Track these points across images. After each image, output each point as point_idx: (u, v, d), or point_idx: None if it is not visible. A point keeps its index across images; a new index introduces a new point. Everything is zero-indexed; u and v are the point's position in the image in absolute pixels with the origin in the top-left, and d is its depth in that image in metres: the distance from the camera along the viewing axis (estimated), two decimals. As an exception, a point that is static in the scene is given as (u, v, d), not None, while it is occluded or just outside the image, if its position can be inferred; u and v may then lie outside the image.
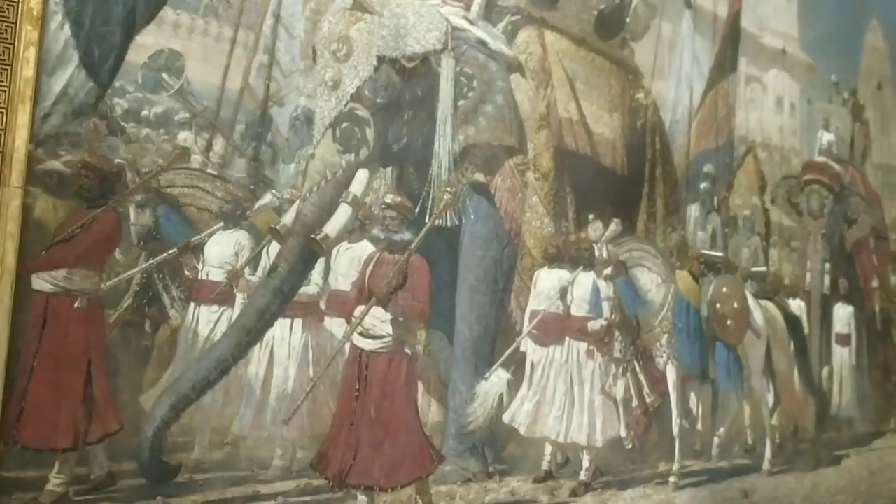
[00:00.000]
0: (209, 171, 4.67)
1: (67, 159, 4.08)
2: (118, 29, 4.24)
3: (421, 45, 5.11)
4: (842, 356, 7.81)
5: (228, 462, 4.54)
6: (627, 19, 6.43)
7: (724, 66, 7.17)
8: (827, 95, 8.09)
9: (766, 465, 6.86)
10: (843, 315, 7.81)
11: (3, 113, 3.84)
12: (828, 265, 7.69)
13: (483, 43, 5.46)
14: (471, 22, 5.49)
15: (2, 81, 3.85)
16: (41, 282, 4.00)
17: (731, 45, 7.22)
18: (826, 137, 7.95)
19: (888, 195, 8.43)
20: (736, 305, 6.60)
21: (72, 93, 4.09)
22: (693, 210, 6.87)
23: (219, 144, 4.72)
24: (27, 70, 3.91)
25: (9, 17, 3.88)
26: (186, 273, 4.57)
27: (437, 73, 5.20)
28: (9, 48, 3.88)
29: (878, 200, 8.27)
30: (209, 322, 4.58)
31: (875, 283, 8.04)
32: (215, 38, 4.68)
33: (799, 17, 7.86)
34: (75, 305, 4.08)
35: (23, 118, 3.88)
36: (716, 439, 6.68)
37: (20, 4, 3.91)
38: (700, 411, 6.67)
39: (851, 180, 8.03)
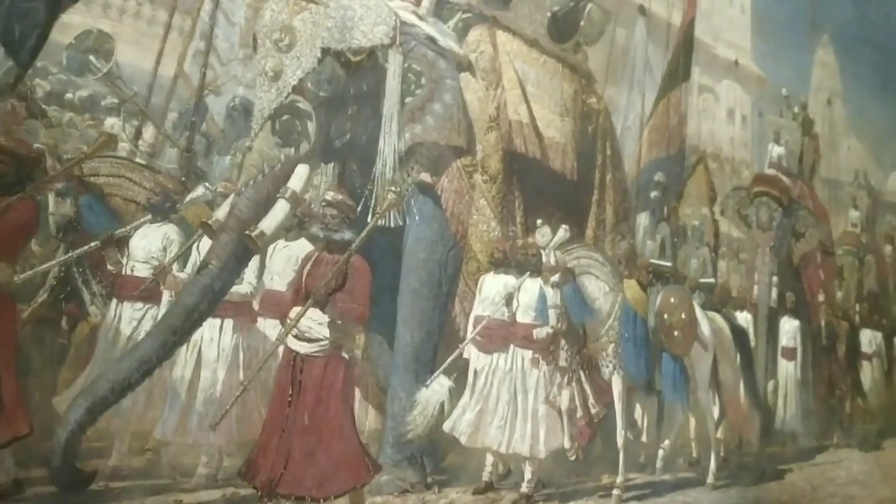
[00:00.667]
0: (137, 160, 4.47)
1: (-19, 142, 3.83)
2: (42, 5, 4.01)
3: (368, 38, 4.95)
4: (787, 370, 7.82)
5: (149, 469, 4.33)
6: (581, 23, 6.36)
7: (677, 74, 7.14)
8: (778, 109, 8.14)
9: (710, 479, 6.77)
10: (789, 329, 7.82)
11: None
12: (775, 278, 7.70)
13: (432, 39, 5.33)
14: (420, 18, 5.36)
15: None
16: (-52, 272, 3.74)
17: (684, 53, 7.20)
18: (776, 150, 7.99)
19: (835, 210, 8.52)
20: (683, 316, 6.52)
21: (-12, 71, 3.85)
22: (643, 218, 6.82)
23: (149, 133, 4.51)
24: (-62, 45, 3.67)
25: (-81, -12, 3.64)
26: (109, 267, 4.35)
27: (384, 68, 5.04)
28: (-81, 21, 3.63)
29: (825, 215, 8.33)
30: (132, 320, 4.37)
31: (821, 298, 8.07)
32: (149, 21, 4.48)
33: (752, 30, 7.92)
34: (-16, 299, 3.82)
35: (-68, 97, 3.64)
36: (661, 452, 6.59)
37: (-67, -26, 3.67)
38: (645, 423, 6.58)
39: (800, 194, 8.09)
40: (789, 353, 7.83)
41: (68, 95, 4.20)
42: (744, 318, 7.49)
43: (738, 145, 7.73)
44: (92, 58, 4.22)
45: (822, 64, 8.55)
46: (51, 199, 4.14)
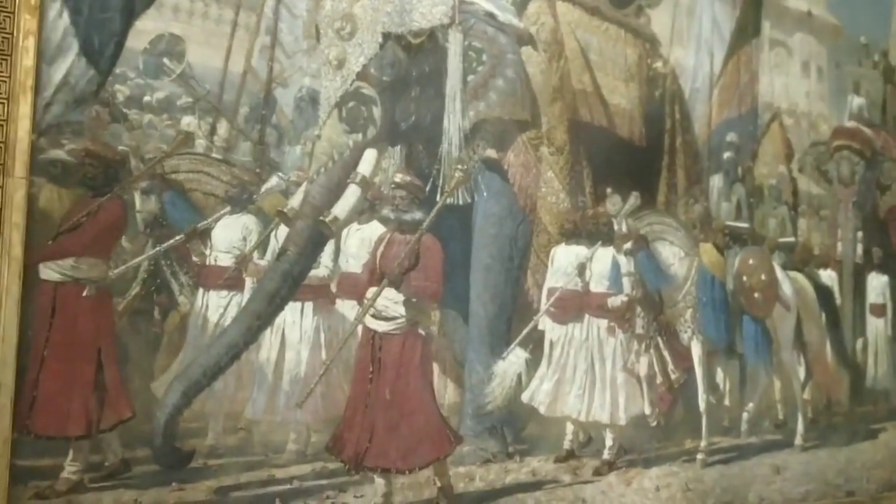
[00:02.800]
0: (214, 155, 4.64)
1: (71, 148, 4.07)
2: (117, 15, 4.21)
3: (427, 20, 5.01)
4: (877, 327, 7.58)
5: (242, 447, 4.53)
6: (643, -15, 6.26)
7: (747, 30, 6.93)
8: (856, 58, 7.79)
9: (798, 441, 6.70)
10: (877, 285, 7.57)
11: (4, 103, 3.83)
12: (860, 234, 7.45)
13: (492, 16, 5.33)
14: (479, -6, 5.37)
15: (2, 72, 3.84)
16: (49, 271, 4.01)
17: (753, 8, 6.97)
18: (856, 102, 7.67)
19: (923, 159, 8.12)
20: (763, 277, 6.42)
21: (73, 81, 4.07)
22: (716, 181, 6.68)
23: (223, 128, 4.68)
24: (27, 60, 3.90)
25: (7, 7, 3.86)
26: (194, 259, 4.55)
27: (445, 48, 5.08)
28: (8, 38, 3.86)
29: (913, 165, 7.98)
30: (219, 307, 4.56)
31: (911, 251, 7.77)
32: (216, 20, 4.63)
33: (825, -23, 7.59)
34: (83, 294, 4.08)
35: (24, 108, 3.87)
36: (745, 415, 6.52)
37: (17, -6, 3.90)
38: (727, 387, 6.54)
39: (884, 145, 7.74)
40: (878, 310, 7.58)
41: (146, 98, 4.40)
42: (828, 276, 7.29)
43: (815, 99, 7.46)
44: (166, 60, 4.40)
45: (903, 6, 8.13)
46: (137, 197, 4.36)
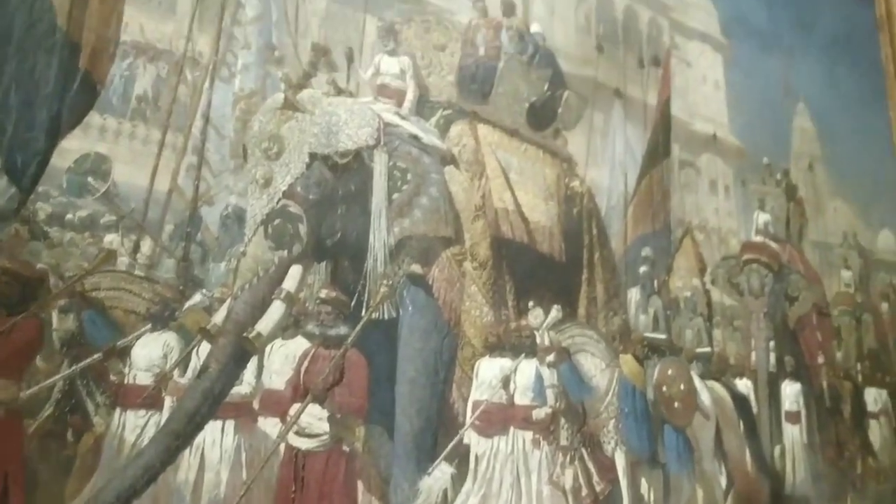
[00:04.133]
0: (136, 272, 4.64)
1: (-13, 266, 4.02)
2: (42, 135, 4.26)
3: (353, 141, 5.17)
4: (793, 434, 7.78)
5: (158, 575, 4.35)
6: (559, 110, 6.62)
7: (657, 152, 7.36)
8: (760, 177, 8.32)
9: (723, 550, 6.73)
10: (791, 392, 7.82)
11: (-81, 221, 3.79)
12: (772, 343, 7.73)
13: (416, 137, 5.57)
14: (403, 117, 5.62)
15: (-81, 190, 3.82)
16: (-44, 393, 3.88)
17: (662, 131, 7.44)
18: (762, 218, 8.13)
19: (827, 272, 8.61)
20: (682, 387, 6.56)
21: (-7, 199, 4.07)
22: (634, 294, 6.93)
23: (146, 246, 4.70)
24: (-54, 178, 3.89)
25: (-71, 127, 3.88)
26: (112, 378, 4.47)
27: (371, 167, 5.26)
28: (-72, 157, 3.86)
29: (817, 278, 8.41)
30: (136, 428, 4.46)
31: (821, 360, 8.09)
32: (143, 140, 4.72)
33: (727, 104, 8.17)
34: (-8, 416, 3.95)
35: (-59, 226, 3.84)
36: (670, 526, 6.55)
37: (-59, 113, 3.92)
38: (652, 497, 6.54)
39: (790, 259, 8.18)
40: (793, 417, 7.81)
41: (69, 216, 4.40)
42: (744, 384, 7.50)
43: (724, 215, 7.89)
44: (90, 179, 4.44)
45: (801, 130, 8.78)
46: (54, 316, 4.29)
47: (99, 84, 4.50)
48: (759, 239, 8.05)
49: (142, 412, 4.50)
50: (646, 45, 7.58)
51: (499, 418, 5.58)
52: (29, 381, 4.14)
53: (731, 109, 8.14)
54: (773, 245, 8.07)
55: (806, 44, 9.03)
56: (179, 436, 4.38)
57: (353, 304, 4.99)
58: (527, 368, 5.73)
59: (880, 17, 9.83)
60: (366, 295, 5.05)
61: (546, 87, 6.59)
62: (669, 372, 6.54)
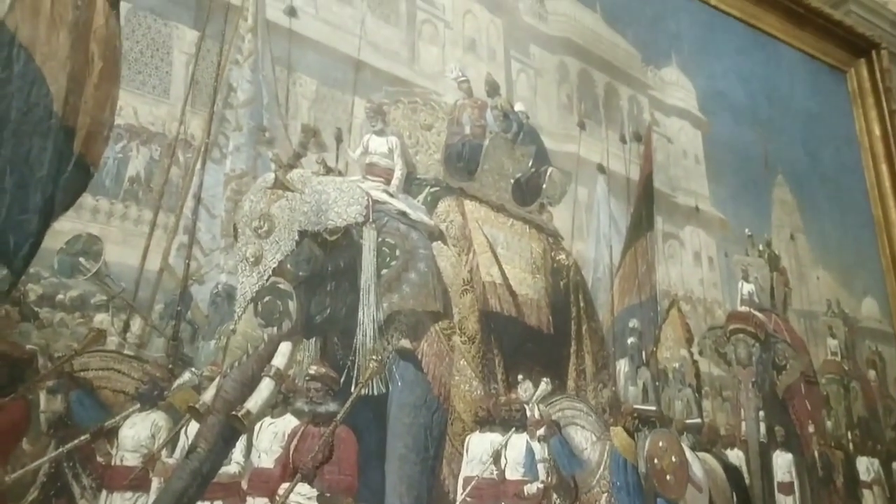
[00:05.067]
0: (126, 352, 4.62)
1: (-25, 348, 4.02)
2: (36, 217, 4.32)
3: (342, 218, 5.27)
4: (787, 506, 7.73)
5: None
6: (543, 186, 6.76)
7: (641, 225, 7.49)
8: (743, 248, 8.43)
9: None
10: (783, 463, 7.77)
11: None
12: (762, 413, 7.72)
13: (404, 214, 5.67)
14: (391, 195, 5.73)
15: (-90, 274, 3.84)
16: (-61, 478, 3.84)
17: (645, 205, 7.58)
18: (746, 288, 8.23)
19: (813, 340, 8.65)
20: (674, 459, 6.55)
21: (-16, 281, 4.09)
22: (622, 365, 6.94)
23: (136, 325, 4.70)
24: (-61, 261, 3.92)
25: (-77, 210, 3.93)
26: (99, 459, 4.40)
27: (360, 244, 5.34)
28: (-80, 241, 3.89)
29: (803, 346, 8.45)
30: (123, 511, 4.39)
31: (811, 429, 8.07)
32: (135, 221, 4.78)
33: (708, 177, 8.35)
34: (-25, 502, 3.90)
35: (-69, 309, 3.85)
36: None
37: (-65, 198, 3.97)
38: (648, 574, 6.46)
39: (776, 328, 8.25)
40: (786, 488, 7.74)
41: (59, 296, 4.41)
42: (735, 455, 7.47)
43: (709, 286, 7.98)
44: (82, 260, 4.47)
45: (781, 202, 8.95)
46: (42, 397, 4.26)
47: (93, 166, 4.59)
48: (744, 309, 8.13)
49: (129, 494, 4.43)
50: (627, 121, 7.79)
51: (490, 494, 5.53)
52: (14, 464, 4.08)
53: (711, 182, 8.31)
54: (759, 315, 8.15)
55: (783, 117, 9.32)
56: (167, 518, 4.35)
57: (342, 380, 5.00)
58: (517, 443, 5.70)
59: (852, 91, 10.18)
60: (355, 371, 5.07)
61: (531, 164, 6.75)
62: (660, 444, 6.53)
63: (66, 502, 4.28)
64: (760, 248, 8.54)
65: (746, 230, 8.47)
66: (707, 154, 8.41)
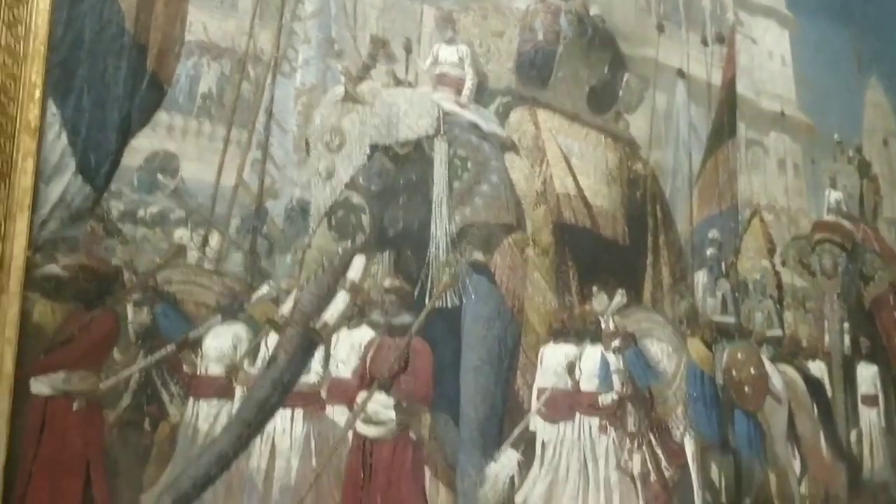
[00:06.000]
0: (206, 266, 4.75)
1: (65, 263, 4.17)
2: (114, 135, 4.39)
3: (413, 131, 5.21)
4: (870, 418, 7.55)
5: (233, 559, 4.48)
6: (620, 93, 6.53)
7: (723, 131, 7.19)
8: (831, 154, 8.05)
9: (798, 537, 6.62)
10: (867, 375, 7.59)
11: (1, 222, 3.94)
12: (846, 324, 7.52)
13: (475, 125, 5.56)
14: (462, 106, 5.61)
15: (0, 192, 3.97)
16: (39, 385, 4.04)
17: (728, 111, 7.25)
18: (834, 196, 7.89)
19: (904, 250, 8.29)
20: (753, 371, 6.46)
21: (69, 199, 4.21)
22: (701, 277, 6.80)
23: (215, 240, 4.80)
24: (25, 180, 4.03)
25: (7, 131, 4.02)
26: (185, 369, 4.59)
27: (431, 157, 5.27)
28: (7, 160, 4.00)
29: (893, 256, 8.11)
30: (209, 417, 4.58)
31: (899, 341, 7.84)
32: (209, 137, 4.83)
33: (795, 80, 7.92)
34: (73, 407, 4.11)
35: (21, 226, 3.98)
36: (742, 512, 6.46)
37: (18, 118, 4.06)
38: (723, 482, 6.46)
39: (864, 237, 7.92)
40: (870, 401, 7.58)
41: (140, 213, 4.53)
42: (817, 367, 7.32)
43: (793, 194, 7.67)
44: (160, 176, 4.57)
45: (874, 105, 8.44)
46: (129, 309, 4.43)
47: (166, 83, 4.62)
48: (831, 218, 7.82)
49: (214, 401, 4.62)
50: (709, 22, 7.39)
51: (565, 404, 5.58)
52: (107, 372, 4.29)
53: (799, 86, 7.88)
54: (846, 224, 7.83)
55: (879, 13, 8.68)
56: (250, 424, 4.52)
57: (416, 292, 5.03)
58: (592, 354, 5.71)
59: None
60: (429, 283, 5.09)
61: (606, 70, 6.49)
62: (739, 356, 6.45)
63: (157, 408, 4.49)
64: (850, 154, 8.13)
65: (835, 135, 8.05)
66: (794, 55, 7.94)
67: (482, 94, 5.85)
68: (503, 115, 5.89)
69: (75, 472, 4.05)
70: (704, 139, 7.11)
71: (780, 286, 7.33)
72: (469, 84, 5.75)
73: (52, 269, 4.13)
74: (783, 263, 7.43)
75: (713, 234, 6.98)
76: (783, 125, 7.78)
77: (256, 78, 5.07)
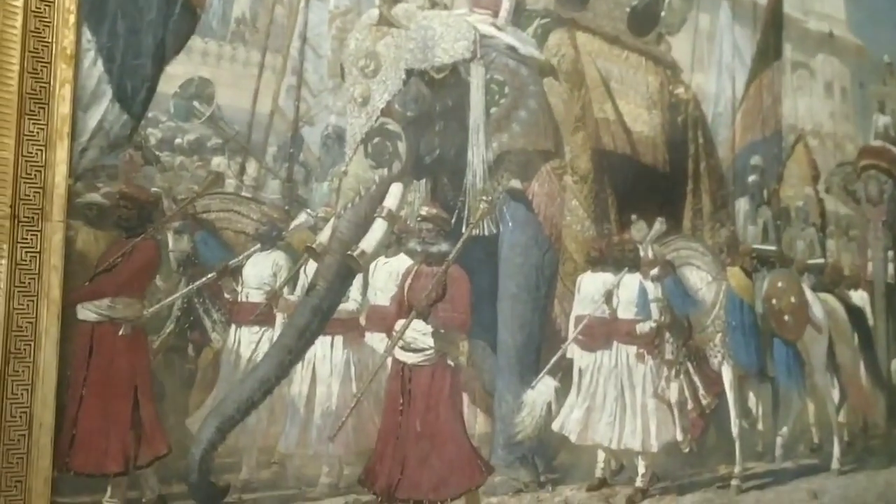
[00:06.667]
0: (243, 194, 4.75)
1: (106, 191, 4.19)
2: (149, 61, 4.34)
3: (449, 55, 5.09)
4: (912, 347, 7.49)
5: (276, 481, 4.59)
6: (662, 14, 6.30)
7: (768, 54, 6.96)
8: (880, 77, 7.76)
9: (835, 465, 6.62)
10: (910, 304, 7.49)
11: (42, 150, 3.94)
12: (891, 253, 7.38)
13: (513, 49, 5.42)
14: (499, 28, 5.45)
15: (39, 120, 3.95)
16: (86, 312, 4.11)
17: (773, 32, 7.00)
18: (882, 121, 7.64)
19: (955, 177, 8.03)
20: (793, 300, 6.39)
21: (107, 126, 4.19)
22: (742, 204, 6.68)
23: (252, 167, 4.79)
24: (63, 107, 4.01)
25: (43, 57, 3.98)
26: (226, 296, 4.64)
27: (467, 82, 5.16)
28: (45, 87, 3.97)
29: (943, 183, 7.89)
30: (251, 343, 4.64)
31: (945, 269, 7.67)
32: (243, 63, 4.77)
33: (845, -1, 7.61)
34: (120, 333, 4.18)
35: (61, 154, 3.98)
36: (779, 439, 6.47)
37: (54, 44, 4.02)
38: (760, 411, 6.47)
39: (913, 163, 7.71)
40: (913, 330, 7.50)
41: (177, 140, 4.52)
42: (859, 296, 7.23)
43: (840, 119, 7.44)
44: (196, 103, 4.53)
45: (927, 25, 8.09)
46: (170, 237, 4.46)
47: (199, 8, 4.54)
48: (878, 143, 7.59)
49: (255, 328, 4.68)
50: (755, -62, 7.08)
51: (602, 332, 5.57)
52: (150, 299, 4.35)
53: (848, 4, 7.56)
54: (894, 149, 7.60)
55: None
56: (291, 350, 4.57)
57: (453, 220, 5.00)
58: (630, 282, 5.66)
59: None
60: (466, 211, 5.05)
61: (648, -10, 6.28)
62: (779, 284, 6.38)
63: (199, 335, 4.57)
64: (901, 76, 7.86)
65: (885, 57, 7.75)
66: (845, -28, 7.62)
67: (520, 16, 5.68)
68: (541, 38, 5.72)
69: (124, 396, 4.15)
70: (749, 62, 6.89)
71: (823, 214, 7.19)
72: (506, 5, 5.57)
73: (94, 197, 4.16)
74: (827, 190, 7.27)
75: (755, 160, 6.83)
76: (831, 46, 7.51)
77: (290, 2, 4.97)
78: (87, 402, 4.03)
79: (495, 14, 5.53)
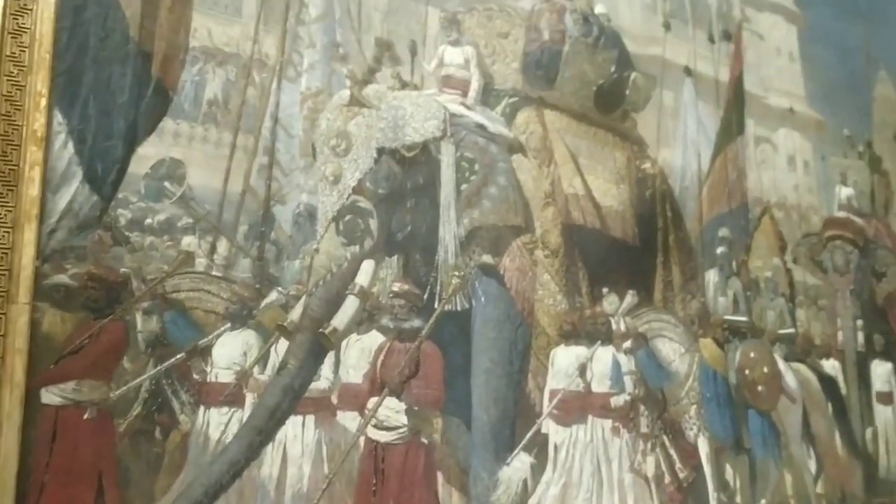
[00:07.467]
0: (214, 273, 4.73)
1: (74, 272, 4.17)
2: (120, 143, 4.38)
3: (420, 134, 5.17)
4: (885, 416, 7.48)
5: (247, 567, 4.46)
6: (627, 92, 6.46)
7: (731, 129, 7.15)
8: (841, 150, 7.99)
9: (815, 536, 6.56)
10: (882, 372, 7.52)
11: (9, 232, 3.94)
12: (860, 322, 7.46)
13: (482, 127, 5.53)
14: (468, 108, 5.59)
15: (8, 202, 3.96)
16: (50, 395, 4.03)
17: (736, 108, 7.22)
18: (845, 192, 7.83)
19: (916, 246, 8.21)
20: (766, 370, 6.41)
21: (76, 207, 4.20)
22: (711, 276, 6.76)
23: (223, 246, 4.79)
24: (32, 189, 4.03)
25: (13, 140, 4.01)
26: (195, 376, 4.57)
27: (438, 159, 5.24)
28: (14, 169, 4.00)
29: (905, 252, 8.05)
30: (220, 424, 4.56)
31: (913, 338, 7.76)
32: (215, 143, 4.82)
33: (804, 75, 7.87)
34: (85, 417, 4.10)
35: (29, 236, 3.98)
36: (758, 512, 6.41)
37: (24, 127, 4.05)
38: (738, 484, 6.40)
39: (876, 233, 7.86)
40: (885, 398, 7.51)
41: (148, 220, 4.52)
42: (831, 365, 7.27)
43: (804, 191, 7.62)
44: (167, 184, 4.56)
45: (883, 99, 8.37)
46: (138, 317, 4.42)
47: (171, 90, 4.61)
48: (842, 214, 7.76)
49: (224, 409, 4.60)
50: (715, 19, 7.35)
51: (576, 407, 5.54)
52: (118, 381, 4.28)
53: (807, 81, 7.83)
54: (858, 220, 7.77)
55: (886, 8, 8.61)
56: (262, 431, 4.48)
57: (425, 296, 5.01)
58: (603, 355, 5.67)
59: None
60: (438, 287, 5.06)
61: (613, 69, 6.43)
62: (752, 355, 6.41)
63: (167, 417, 4.48)
64: (860, 149, 8.07)
65: (845, 131, 7.99)
66: (802, 51, 7.89)
67: (488, 96, 5.83)
68: (510, 116, 5.86)
69: (87, 482, 4.05)
70: (713, 137, 7.07)
71: (791, 284, 7.29)
72: (475, 85, 5.73)
73: (61, 278, 4.12)
74: (794, 261, 7.38)
75: (723, 232, 6.94)
76: (792, 121, 7.74)
77: (262, 83, 5.06)
78: (48, 490, 3.92)
79: (464, 94, 5.68)
